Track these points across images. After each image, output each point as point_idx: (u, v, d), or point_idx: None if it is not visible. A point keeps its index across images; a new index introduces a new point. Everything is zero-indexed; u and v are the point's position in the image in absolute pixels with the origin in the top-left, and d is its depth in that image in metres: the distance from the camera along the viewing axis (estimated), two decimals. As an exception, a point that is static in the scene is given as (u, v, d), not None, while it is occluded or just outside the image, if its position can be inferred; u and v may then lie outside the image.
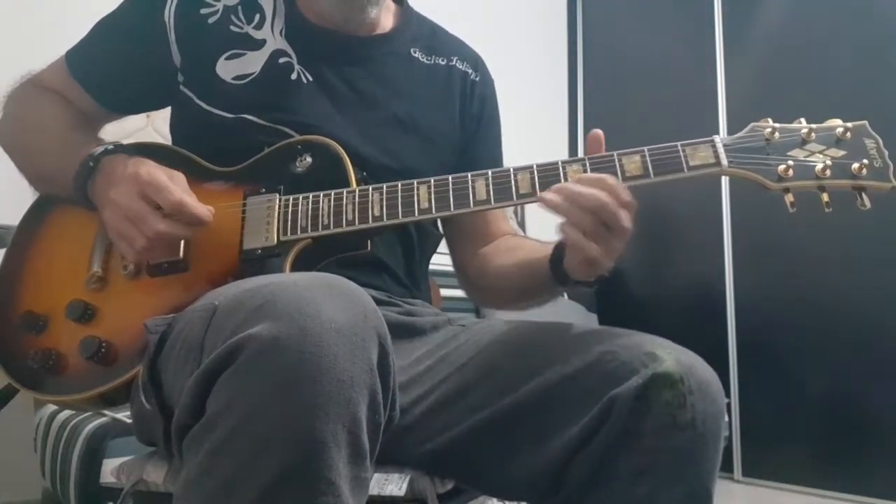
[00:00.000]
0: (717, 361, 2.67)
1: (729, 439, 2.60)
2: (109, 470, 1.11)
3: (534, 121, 2.88)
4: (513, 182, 0.80)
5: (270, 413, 0.57)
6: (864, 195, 0.74)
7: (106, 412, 1.26)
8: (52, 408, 1.40)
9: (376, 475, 0.81)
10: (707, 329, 2.75)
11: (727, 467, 2.64)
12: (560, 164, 0.79)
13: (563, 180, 0.78)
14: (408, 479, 0.79)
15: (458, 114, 1.07)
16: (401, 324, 0.93)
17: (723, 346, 2.71)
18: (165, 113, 1.06)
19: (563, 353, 0.77)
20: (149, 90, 1.01)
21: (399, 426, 0.83)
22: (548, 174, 0.79)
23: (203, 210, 0.83)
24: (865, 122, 0.77)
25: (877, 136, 0.76)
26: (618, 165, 0.77)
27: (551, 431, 0.75)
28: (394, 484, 0.78)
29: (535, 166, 0.80)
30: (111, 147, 0.90)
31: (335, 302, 0.61)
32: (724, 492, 2.63)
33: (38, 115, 1.00)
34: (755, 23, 2.82)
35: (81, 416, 1.28)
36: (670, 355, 0.72)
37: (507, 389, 0.79)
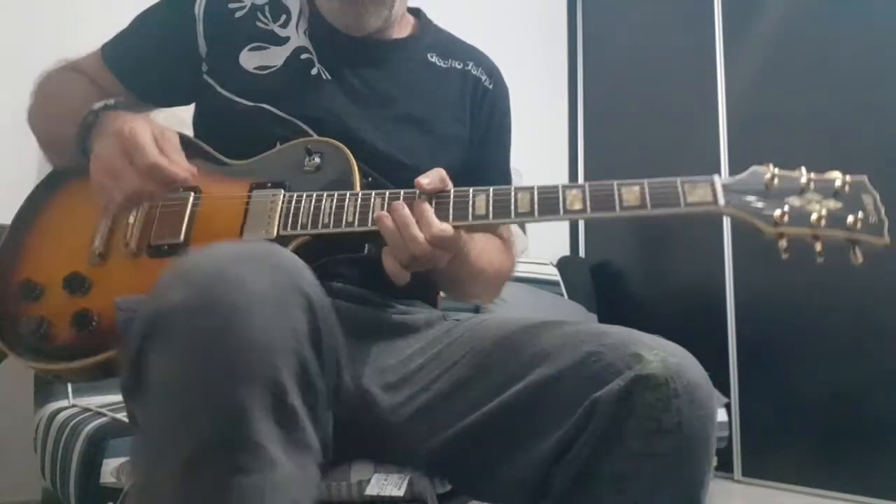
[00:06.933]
0: (717, 361, 2.67)
1: (729, 439, 2.60)
2: (109, 470, 1.11)
3: (534, 121, 2.88)
4: (513, 201, 0.80)
5: (187, 381, 0.58)
6: (857, 249, 0.74)
7: (105, 412, 1.26)
8: (52, 408, 1.40)
9: (376, 475, 0.81)
10: (707, 329, 2.75)
11: (727, 467, 2.64)
12: (560, 188, 0.79)
13: (561, 204, 0.78)
14: (407, 479, 0.80)
15: (468, 117, 1.08)
16: (393, 322, 0.93)
17: (723, 346, 2.71)
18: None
19: (551, 353, 0.76)
20: (174, 79, 1.04)
21: (392, 425, 0.83)
22: (547, 196, 0.79)
23: (180, 172, 0.81)
24: (865, 178, 0.76)
25: (875, 192, 0.75)
26: (616, 195, 0.77)
27: (537, 434, 0.74)
28: (393, 484, 0.79)
29: (535, 188, 0.80)
30: (112, 102, 0.92)
31: (258, 268, 0.61)
32: (724, 492, 2.63)
33: (64, 89, 1.04)
34: (755, 23, 2.82)
35: (81, 416, 1.28)
36: (656, 356, 0.70)
37: (496, 391, 0.78)
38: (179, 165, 0.82)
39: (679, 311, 2.88)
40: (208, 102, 1.02)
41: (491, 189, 0.81)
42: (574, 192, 0.78)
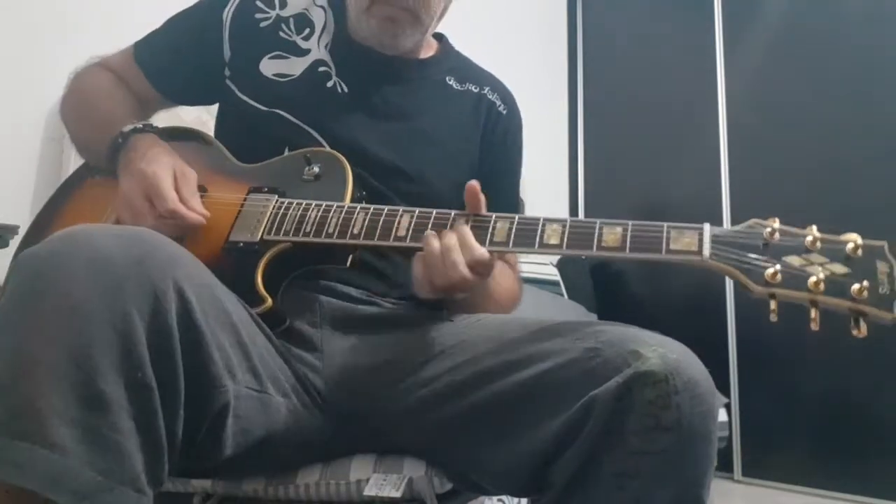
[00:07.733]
0: (717, 361, 2.66)
1: (729, 439, 2.60)
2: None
3: (534, 121, 2.89)
4: (490, 228, 0.80)
5: (4, 324, 0.57)
6: (861, 322, 0.66)
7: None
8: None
9: (374, 475, 0.81)
10: (707, 329, 2.75)
11: (727, 467, 2.64)
12: (542, 220, 0.78)
13: (539, 237, 0.77)
14: (406, 479, 0.79)
15: (480, 138, 1.10)
16: (382, 316, 0.94)
17: (723, 346, 2.71)
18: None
19: (547, 349, 0.76)
20: (198, 80, 1.08)
21: (380, 409, 0.84)
22: (526, 228, 0.79)
23: (195, 217, 0.86)
24: (885, 244, 0.68)
25: (893, 261, 0.67)
26: (596, 234, 0.76)
27: (529, 424, 0.73)
28: (391, 485, 0.79)
29: (516, 218, 0.81)
30: (140, 126, 0.96)
31: (117, 239, 0.60)
32: (723, 492, 2.63)
33: (94, 89, 1.08)
34: (755, 23, 2.82)
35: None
36: (655, 353, 0.69)
37: (486, 378, 0.78)
38: (195, 209, 0.87)
39: (679, 311, 2.88)
40: (229, 106, 1.06)
41: (472, 214, 0.82)
42: (554, 226, 0.77)
